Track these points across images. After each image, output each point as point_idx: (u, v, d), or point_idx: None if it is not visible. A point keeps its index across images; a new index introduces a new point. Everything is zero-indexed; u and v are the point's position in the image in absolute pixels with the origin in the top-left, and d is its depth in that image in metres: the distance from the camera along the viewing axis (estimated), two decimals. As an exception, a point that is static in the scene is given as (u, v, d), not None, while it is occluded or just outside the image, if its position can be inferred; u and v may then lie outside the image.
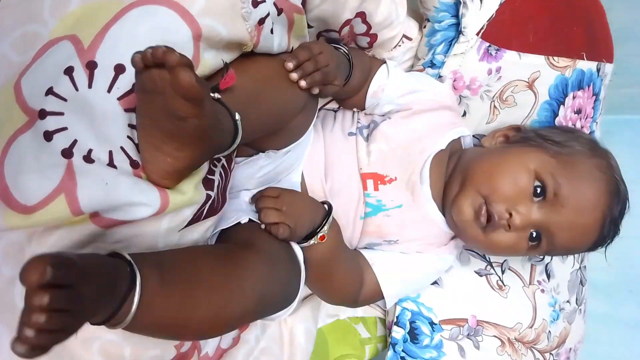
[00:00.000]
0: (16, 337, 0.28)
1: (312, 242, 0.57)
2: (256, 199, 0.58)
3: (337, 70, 0.56)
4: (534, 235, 0.61)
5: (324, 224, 0.58)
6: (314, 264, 0.58)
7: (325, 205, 0.61)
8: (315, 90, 0.56)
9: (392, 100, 0.66)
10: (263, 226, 0.55)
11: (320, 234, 0.57)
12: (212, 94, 0.43)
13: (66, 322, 0.30)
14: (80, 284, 0.30)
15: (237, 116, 0.44)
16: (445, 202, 0.64)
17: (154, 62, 0.34)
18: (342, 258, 0.62)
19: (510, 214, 0.59)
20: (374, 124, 0.66)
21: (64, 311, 0.29)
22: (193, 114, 0.37)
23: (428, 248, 0.67)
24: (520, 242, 0.61)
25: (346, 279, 0.63)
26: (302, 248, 0.57)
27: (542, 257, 0.78)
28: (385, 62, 0.68)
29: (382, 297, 0.66)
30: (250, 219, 0.57)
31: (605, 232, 0.62)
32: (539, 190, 0.59)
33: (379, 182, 0.64)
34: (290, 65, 0.52)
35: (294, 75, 0.52)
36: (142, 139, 0.40)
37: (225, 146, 0.45)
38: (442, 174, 0.65)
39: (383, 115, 0.67)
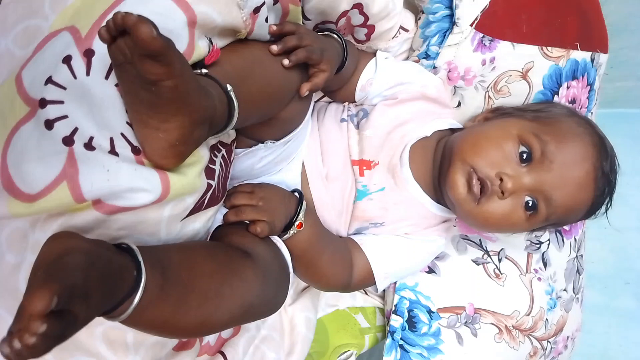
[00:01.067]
0: (4, 342, 0.27)
1: (291, 232, 0.58)
2: (229, 196, 0.59)
3: (321, 53, 0.56)
4: (530, 203, 0.60)
5: (299, 212, 0.59)
6: (298, 253, 0.59)
7: (296, 194, 0.62)
8: (305, 90, 0.55)
9: (380, 93, 0.68)
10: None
11: (297, 222, 0.58)
12: (198, 70, 0.43)
13: (59, 338, 0.30)
14: (82, 303, 0.31)
15: (229, 87, 0.44)
16: (440, 182, 0.65)
17: (117, 30, 0.34)
18: (324, 244, 0.63)
19: (501, 179, 0.59)
20: (363, 112, 0.68)
21: (58, 336, 0.29)
22: (163, 74, 0.35)
23: (415, 229, 0.68)
24: (516, 210, 0.60)
25: (333, 264, 0.63)
26: (283, 241, 0.58)
27: (537, 242, 0.78)
28: (375, 56, 0.69)
29: (374, 279, 0.67)
30: None
31: (600, 187, 0.61)
32: (525, 155, 0.60)
33: (364, 167, 0.65)
34: (274, 47, 0.52)
35: (274, 48, 0.52)
36: (132, 119, 0.41)
37: (222, 120, 0.45)
38: (428, 159, 0.67)
39: (371, 105, 0.69)
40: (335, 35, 0.63)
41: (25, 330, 0.27)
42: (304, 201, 0.61)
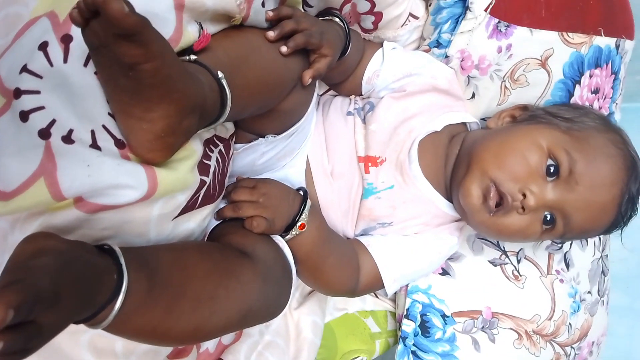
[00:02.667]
0: None
1: (293, 232, 0.55)
2: (229, 191, 0.56)
3: (321, 36, 0.52)
4: (548, 218, 0.58)
5: (302, 211, 0.56)
6: (301, 256, 0.57)
7: (301, 192, 0.59)
8: (307, 77, 0.52)
9: (387, 86, 0.65)
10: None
11: (299, 223, 0.55)
12: (186, 57, 0.40)
13: (23, 352, 0.27)
14: (49, 312, 0.28)
15: (220, 74, 0.41)
16: (452, 187, 0.62)
17: (89, 10, 0.31)
18: (330, 247, 0.59)
19: (524, 195, 0.55)
20: (369, 105, 0.65)
21: (22, 350, 0.27)
22: (140, 56, 0.33)
23: (425, 229, 0.64)
24: (534, 225, 0.58)
25: (339, 268, 0.60)
26: (285, 242, 0.55)
27: (558, 243, 0.74)
28: (382, 46, 0.66)
29: (382, 283, 0.63)
30: None
31: (622, 211, 0.59)
32: (552, 169, 0.56)
33: (369, 164, 0.62)
34: (270, 33, 0.49)
35: (271, 34, 0.48)
36: (114, 109, 0.38)
37: (214, 110, 0.42)
38: (439, 156, 0.63)
39: (378, 98, 0.65)
40: (336, 19, 0.60)
41: None
42: (309, 200, 0.58)
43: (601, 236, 0.80)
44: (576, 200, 0.56)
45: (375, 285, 0.64)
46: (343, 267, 0.61)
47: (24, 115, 0.36)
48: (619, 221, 0.60)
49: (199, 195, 0.47)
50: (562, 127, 0.59)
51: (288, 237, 0.56)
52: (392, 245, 0.64)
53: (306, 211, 0.56)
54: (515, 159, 0.57)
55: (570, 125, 0.60)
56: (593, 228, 0.61)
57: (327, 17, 0.60)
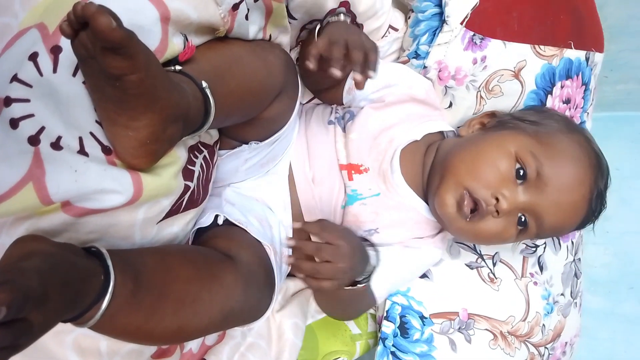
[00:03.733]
0: None
1: (350, 287, 0.60)
2: (300, 243, 0.58)
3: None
4: (522, 219, 0.60)
5: (368, 278, 0.60)
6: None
7: (372, 253, 0.62)
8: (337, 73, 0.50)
9: (366, 97, 0.67)
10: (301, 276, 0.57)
11: (362, 285, 0.60)
12: (171, 67, 0.42)
13: (14, 348, 0.28)
14: (38, 310, 0.29)
15: (204, 84, 0.43)
16: (428, 196, 0.64)
17: (78, 22, 0.33)
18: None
19: (497, 199, 0.58)
20: (349, 115, 0.67)
21: (12, 346, 0.28)
22: (126, 68, 0.34)
23: (410, 237, 0.66)
24: (509, 228, 0.60)
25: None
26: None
27: (532, 247, 0.77)
28: None
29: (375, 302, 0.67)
30: (226, 219, 0.56)
31: (593, 207, 0.61)
32: (521, 172, 0.59)
33: (352, 171, 0.64)
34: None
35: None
36: (101, 117, 0.39)
37: (198, 118, 0.44)
38: (418, 164, 0.65)
39: (358, 107, 0.67)
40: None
41: None
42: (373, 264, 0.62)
43: (573, 240, 0.82)
44: (546, 200, 0.58)
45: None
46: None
47: (14, 123, 0.37)
48: (589, 217, 0.62)
49: (183, 200, 0.49)
50: (529, 131, 0.62)
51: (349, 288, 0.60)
52: (382, 262, 0.65)
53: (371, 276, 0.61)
54: (487, 167, 0.59)
55: (536, 128, 0.62)
56: (565, 226, 0.62)
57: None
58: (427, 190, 0.64)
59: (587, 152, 0.61)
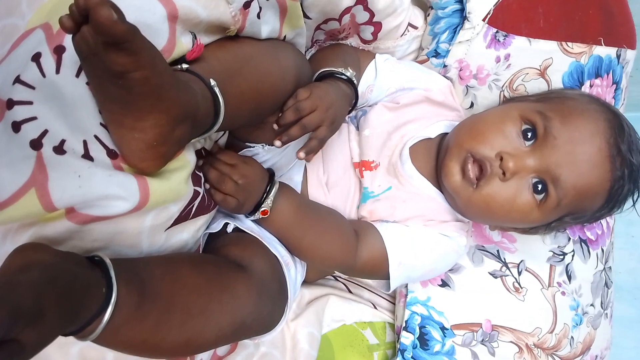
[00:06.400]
0: None
1: (256, 215, 0.55)
2: (210, 161, 0.53)
3: (323, 116, 0.52)
4: (539, 187, 0.55)
5: (265, 198, 0.54)
6: (274, 233, 0.57)
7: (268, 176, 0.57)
8: (300, 154, 0.52)
9: (380, 100, 0.65)
10: (207, 186, 0.51)
11: (261, 209, 0.54)
12: (178, 66, 0.40)
13: None
14: (32, 328, 0.28)
15: (212, 82, 0.41)
16: (438, 175, 0.61)
17: (80, 16, 0.31)
18: (305, 227, 0.58)
19: (502, 159, 0.54)
20: (362, 112, 0.65)
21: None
22: (129, 64, 0.33)
23: (430, 223, 0.63)
24: (522, 193, 0.55)
25: (322, 243, 0.58)
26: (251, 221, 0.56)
27: (560, 253, 0.73)
28: (374, 58, 0.66)
29: (386, 264, 0.59)
30: (236, 227, 0.55)
31: (617, 167, 0.54)
32: (529, 134, 0.55)
33: (363, 168, 0.62)
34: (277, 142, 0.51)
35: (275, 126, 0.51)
36: (106, 119, 0.38)
37: (207, 119, 0.42)
38: (433, 158, 0.63)
39: (370, 106, 0.66)
40: (343, 77, 0.58)
41: None
42: (276, 186, 0.56)
43: (604, 248, 0.78)
44: (558, 155, 0.53)
45: (377, 265, 0.60)
46: (328, 243, 0.58)
47: (16, 126, 0.36)
48: (617, 183, 0.55)
49: (193, 206, 0.47)
50: (534, 99, 0.60)
51: (251, 218, 0.55)
52: (400, 230, 0.61)
53: (270, 197, 0.55)
54: (489, 129, 0.56)
55: (543, 96, 0.60)
56: (589, 187, 0.55)
57: (334, 75, 0.58)
58: (438, 174, 0.61)
59: (602, 109, 0.56)
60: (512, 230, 0.65)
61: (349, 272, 0.68)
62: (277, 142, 0.51)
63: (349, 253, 0.59)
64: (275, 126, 0.51)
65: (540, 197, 0.55)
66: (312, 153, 0.52)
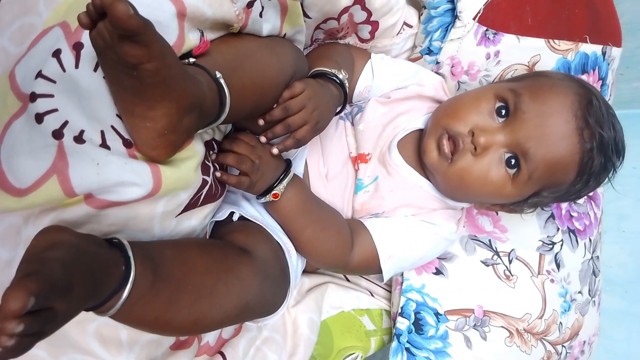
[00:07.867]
0: None
1: (267, 197, 0.57)
2: (230, 139, 0.56)
3: (307, 117, 0.55)
4: (512, 161, 0.57)
5: (279, 181, 0.57)
6: (279, 219, 0.59)
7: (285, 163, 0.59)
8: (274, 150, 0.56)
9: (376, 98, 0.68)
10: (217, 175, 0.53)
11: (274, 192, 0.57)
12: (186, 60, 0.43)
13: (39, 335, 0.29)
14: (62, 299, 0.30)
15: (218, 74, 0.44)
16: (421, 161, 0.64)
17: (96, 13, 0.34)
18: (307, 219, 0.60)
19: (473, 134, 0.57)
20: (357, 108, 0.67)
21: (38, 333, 0.29)
22: (142, 56, 0.35)
23: (419, 212, 0.65)
24: (494, 166, 0.57)
25: (320, 239, 0.60)
26: (260, 204, 0.58)
27: (550, 242, 0.76)
28: (370, 58, 0.69)
29: (378, 261, 0.62)
30: (241, 216, 0.57)
31: (586, 139, 0.55)
32: (503, 111, 0.57)
33: (359, 161, 0.64)
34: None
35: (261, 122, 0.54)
36: (120, 109, 0.40)
37: (213, 109, 0.44)
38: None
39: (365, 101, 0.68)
40: (334, 79, 0.60)
41: (2, 331, 0.27)
42: (291, 173, 0.58)
43: (591, 237, 0.81)
44: (527, 130, 0.55)
45: (370, 262, 0.62)
46: (326, 240, 0.60)
47: (39, 118, 0.38)
48: (587, 155, 0.55)
49: (201, 194, 0.50)
50: (510, 79, 0.62)
51: (262, 200, 0.58)
52: (388, 224, 0.63)
53: (284, 182, 0.57)
54: (464, 107, 0.59)
55: (519, 77, 0.63)
56: (558, 160, 0.55)
57: (326, 75, 0.60)
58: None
59: (572, 84, 0.58)
60: (496, 208, 0.67)
61: (344, 271, 0.71)
62: (262, 138, 0.54)
63: (343, 254, 0.62)
64: (260, 122, 0.54)
65: (513, 171, 0.57)
66: (285, 151, 0.56)
